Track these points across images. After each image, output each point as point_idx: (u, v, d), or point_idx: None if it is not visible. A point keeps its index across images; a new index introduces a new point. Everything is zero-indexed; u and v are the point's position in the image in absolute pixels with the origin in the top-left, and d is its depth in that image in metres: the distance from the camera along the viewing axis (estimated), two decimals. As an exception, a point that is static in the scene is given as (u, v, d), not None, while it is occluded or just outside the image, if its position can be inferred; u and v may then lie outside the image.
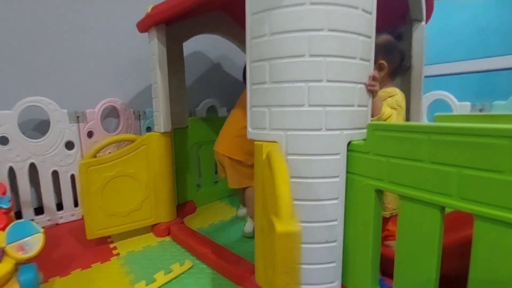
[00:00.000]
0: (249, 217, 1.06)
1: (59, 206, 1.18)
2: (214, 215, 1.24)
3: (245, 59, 1.37)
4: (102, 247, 0.97)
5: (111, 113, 1.35)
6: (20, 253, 0.68)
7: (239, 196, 1.20)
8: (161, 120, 0.99)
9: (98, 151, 0.94)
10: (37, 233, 0.72)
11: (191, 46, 1.38)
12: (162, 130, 1.00)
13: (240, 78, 1.84)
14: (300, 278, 0.38)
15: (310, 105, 0.58)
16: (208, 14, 1.24)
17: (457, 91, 1.23)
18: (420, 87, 0.97)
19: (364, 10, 0.59)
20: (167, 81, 0.99)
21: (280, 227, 0.37)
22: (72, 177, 1.19)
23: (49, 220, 1.13)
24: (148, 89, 1.43)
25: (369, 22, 0.60)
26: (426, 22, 0.98)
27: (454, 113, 1.18)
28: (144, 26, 0.98)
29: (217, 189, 1.44)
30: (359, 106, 0.62)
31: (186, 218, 1.20)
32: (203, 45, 1.62)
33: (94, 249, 0.95)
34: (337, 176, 0.61)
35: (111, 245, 0.98)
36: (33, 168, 1.11)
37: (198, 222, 1.16)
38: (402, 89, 0.89)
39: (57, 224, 1.16)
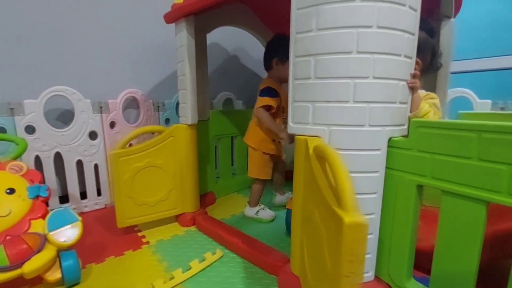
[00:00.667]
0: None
1: (83, 195, 1.20)
2: (234, 206, 1.26)
3: (263, 51, 1.39)
4: (132, 236, 0.99)
5: (130, 104, 1.35)
6: (62, 240, 0.70)
7: (274, 184, 1.25)
8: (189, 112, 1.00)
9: (129, 141, 0.95)
10: (76, 221, 0.74)
11: (208, 37, 1.37)
12: (190, 122, 1.01)
13: (256, 70, 1.85)
14: (363, 268, 0.40)
15: (355, 101, 0.59)
16: (229, 6, 1.23)
17: (476, 88, 1.24)
18: (446, 85, 0.98)
19: (411, 7, 0.60)
20: (195, 73, 0.99)
21: (348, 218, 0.38)
22: (96, 166, 1.21)
23: (74, 209, 1.15)
24: (166, 81, 1.44)
25: (414, 19, 0.61)
26: (454, 18, 0.98)
27: (475, 110, 1.19)
28: (173, 17, 0.97)
29: (234, 181, 1.45)
30: (400, 103, 0.63)
31: (207, 209, 1.22)
32: (220, 37, 1.61)
33: (124, 237, 0.97)
34: (377, 171, 0.63)
35: (139, 234, 1.00)
36: (58, 158, 1.12)
37: (220, 212, 1.18)
38: (427, 87, 0.90)
39: (81, 212, 1.18)
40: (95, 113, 1.18)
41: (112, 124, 1.25)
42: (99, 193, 1.24)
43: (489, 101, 1.16)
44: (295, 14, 0.62)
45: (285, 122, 1.09)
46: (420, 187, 0.60)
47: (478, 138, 0.50)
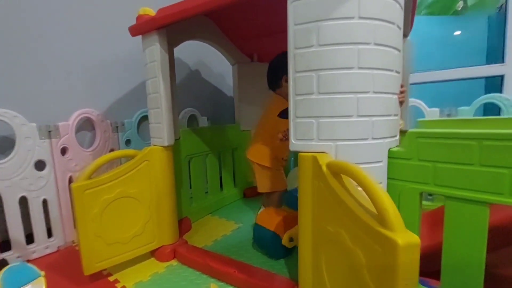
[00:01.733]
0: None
1: (29, 239, 0.98)
2: (213, 230, 1.17)
3: (224, 66, 1.35)
4: (102, 282, 0.83)
5: (84, 125, 1.18)
6: (22, 305, 0.55)
7: (263, 200, 1.21)
8: (165, 132, 0.90)
9: (94, 171, 0.81)
10: (37, 277, 0.59)
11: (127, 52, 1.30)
12: (166, 144, 0.91)
13: (219, 85, 1.80)
14: (415, 290, 0.38)
15: (359, 116, 0.59)
16: (196, 20, 1.18)
17: (422, 98, 1.39)
18: (407, 97, 1.07)
19: (398, 26, 0.63)
20: (169, 90, 0.91)
21: (401, 239, 0.37)
22: (45, 202, 1.01)
23: (18, 257, 0.93)
24: (125, 98, 1.31)
25: (400, 37, 0.65)
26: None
27: (427, 118, 1.34)
28: (142, 29, 0.89)
29: (208, 202, 1.36)
30: (394, 115, 0.66)
31: (184, 236, 1.11)
32: (180, 52, 1.54)
33: (92, 286, 0.81)
34: (381, 183, 0.64)
35: (111, 278, 0.85)
36: (-5, 196, 0.91)
37: (200, 240, 1.08)
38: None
39: (28, 260, 0.96)
40: (42, 138, 0.99)
41: (64, 150, 1.07)
42: (49, 234, 1.03)
43: (437, 109, 1.31)
44: (293, 29, 0.61)
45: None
46: (421, 194, 0.63)
47: (479, 145, 0.53)
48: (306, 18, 0.59)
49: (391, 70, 0.63)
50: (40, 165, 1.00)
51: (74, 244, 1.09)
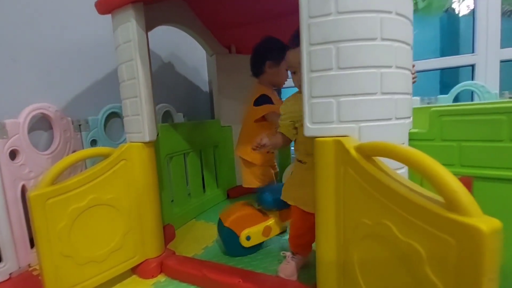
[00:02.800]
0: None
1: (-32, 268, 0.77)
2: (200, 237, 1.05)
3: (199, 58, 1.25)
4: (73, 312, 0.67)
5: (39, 124, 0.99)
6: None
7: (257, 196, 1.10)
8: (145, 125, 0.77)
9: (57, 175, 0.65)
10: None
11: (88, 36, 1.14)
12: (148, 139, 0.77)
13: (194, 80, 1.67)
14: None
15: (383, 93, 0.53)
16: (170, 3, 1.06)
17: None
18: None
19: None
20: (149, 74, 0.78)
21: (485, 225, 0.30)
22: (-11, 220, 0.81)
23: (-46, 293, 0.73)
24: (89, 92, 1.14)
25: (412, 9, 0.60)
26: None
27: (409, 106, 1.36)
28: (113, 4, 0.74)
29: (190, 206, 1.23)
30: (411, 94, 0.61)
31: (169, 246, 0.97)
32: (151, 42, 1.39)
33: (62, 319, 0.65)
34: (403, 167, 0.58)
35: (85, 306, 0.69)
36: None
37: (187, 249, 0.96)
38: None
39: (-32, 295, 0.75)
40: (-17, 140, 0.79)
41: (14, 154, 0.87)
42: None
43: (418, 97, 1.33)
44: (305, -4, 0.53)
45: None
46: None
47: (509, 119, 0.50)
48: (322, -18, 0.51)
49: (409, 45, 0.58)
50: (-19, 173, 0.79)
51: (30, 269, 0.90)
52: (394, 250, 0.42)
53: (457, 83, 1.25)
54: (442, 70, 1.93)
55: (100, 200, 0.70)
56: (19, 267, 0.87)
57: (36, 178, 0.92)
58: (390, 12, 0.52)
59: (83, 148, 1.09)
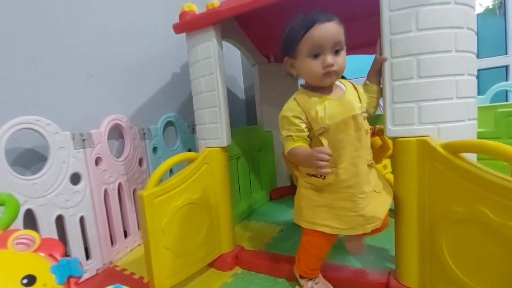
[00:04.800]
0: None
1: (67, 264, 0.86)
2: (259, 235, 1.12)
3: (240, 66, 1.33)
4: (172, 301, 0.75)
5: (111, 133, 1.08)
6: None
7: None
8: (224, 132, 0.85)
9: (160, 178, 0.74)
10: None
11: (149, 52, 1.24)
12: (225, 144, 0.86)
13: (232, 88, 1.76)
14: None
15: (458, 97, 0.61)
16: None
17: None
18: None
19: (475, 13, 0.66)
20: (225, 87, 0.87)
21: None
22: (82, 220, 0.90)
23: (61, 286, 0.81)
24: (150, 103, 1.23)
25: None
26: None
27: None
28: (195, 25, 0.84)
29: (241, 208, 1.30)
30: (476, 97, 0.68)
31: (232, 244, 1.05)
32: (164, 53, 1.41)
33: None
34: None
35: (179, 296, 0.77)
36: (29, 216, 0.78)
37: (251, 245, 1.03)
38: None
39: None
40: (77, 148, 0.89)
41: (97, 161, 0.96)
42: (88, 256, 0.92)
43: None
44: (388, 15, 0.61)
45: None
46: (512, 172, 0.65)
47: None
48: (403, 4, 0.60)
49: (475, 53, 0.65)
50: (75, 179, 0.89)
51: (112, 265, 0.98)
52: (489, 232, 0.49)
53: (481, 84, 1.31)
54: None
55: (190, 199, 0.78)
56: (103, 264, 0.96)
57: (114, 182, 1.01)
58: (462, 28, 0.60)
59: (147, 154, 1.18)
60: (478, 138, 0.66)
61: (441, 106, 0.60)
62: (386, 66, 0.63)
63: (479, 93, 1.38)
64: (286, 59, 0.68)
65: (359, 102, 0.66)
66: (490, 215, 0.49)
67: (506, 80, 1.40)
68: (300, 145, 0.64)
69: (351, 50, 1.30)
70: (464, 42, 0.60)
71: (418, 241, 0.62)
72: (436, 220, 0.58)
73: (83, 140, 0.91)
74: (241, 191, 1.33)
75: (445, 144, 0.56)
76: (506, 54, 1.38)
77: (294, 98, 0.67)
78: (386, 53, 0.63)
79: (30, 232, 0.51)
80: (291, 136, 0.65)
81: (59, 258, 0.51)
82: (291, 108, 0.66)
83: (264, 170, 1.49)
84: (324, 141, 0.63)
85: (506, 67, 1.38)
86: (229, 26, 1.21)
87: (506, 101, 1.40)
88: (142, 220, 0.70)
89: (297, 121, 0.64)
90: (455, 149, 0.55)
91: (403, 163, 0.63)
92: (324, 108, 0.63)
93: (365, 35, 0.91)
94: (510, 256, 0.46)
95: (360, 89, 0.70)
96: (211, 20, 0.80)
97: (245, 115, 1.81)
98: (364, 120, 0.66)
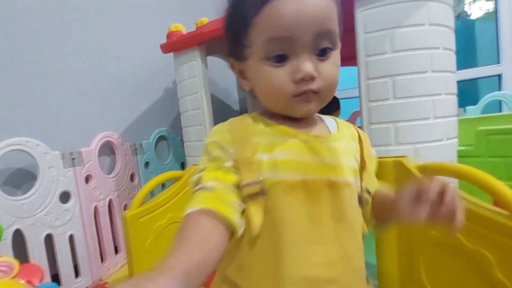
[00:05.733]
0: None
1: (54, 280, 0.87)
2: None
3: (234, 77, 1.36)
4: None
5: (103, 150, 1.10)
6: None
7: None
8: (209, 150, 0.86)
9: (144, 198, 0.75)
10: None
11: (142, 68, 1.25)
12: (211, 162, 0.87)
13: (227, 100, 1.77)
14: None
15: (435, 117, 0.61)
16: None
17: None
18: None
19: (453, 31, 0.67)
20: (211, 105, 0.88)
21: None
22: (71, 238, 0.91)
23: (48, 305, 0.82)
24: (142, 118, 1.25)
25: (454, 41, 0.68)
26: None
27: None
28: (180, 45, 0.85)
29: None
30: (456, 115, 0.68)
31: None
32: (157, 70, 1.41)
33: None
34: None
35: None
36: (18, 236, 0.80)
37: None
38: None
39: (58, 307, 0.85)
40: (66, 167, 0.90)
41: (87, 178, 0.98)
42: (77, 274, 0.92)
43: (445, 110, 1.39)
44: (363, 37, 0.62)
45: None
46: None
47: (552, 138, 0.57)
48: (378, 26, 0.60)
49: (453, 72, 0.66)
50: (64, 197, 0.90)
51: (102, 282, 0.99)
52: (463, 257, 0.49)
53: (477, 92, 1.31)
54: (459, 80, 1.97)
55: (175, 218, 0.79)
56: (93, 281, 0.96)
57: (104, 199, 1.03)
58: (438, 48, 0.61)
59: (139, 170, 1.19)
60: (458, 156, 0.67)
61: (418, 126, 0.61)
62: (362, 87, 0.64)
63: (473, 103, 1.39)
64: (231, 62, 0.41)
65: (353, 159, 0.38)
66: (463, 240, 0.48)
67: (499, 89, 1.38)
68: (208, 207, 0.30)
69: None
70: (440, 62, 0.61)
71: (398, 264, 0.62)
72: (414, 244, 0.58)
73: (73, 159, 0.93)
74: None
75: (421, 166, 0.56)
76: (499, 63, 1.37)
77: (229, 122, 0.39)
78: (362, 74, 0.63)
79: (8, 259, 0.52)
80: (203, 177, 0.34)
81: (37, 284, 0.52)
82: (216, 132, 0.38)
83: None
84: (256, 215, 0.33)
85: (499, 76, 1.38)
86: (219, 42, 1.23)
87: (500, 111, 1.39)
88: (125, 241, 0.71)
89: (218, 152, 0.35)
90: (430, 172, 0.55)
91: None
92: (275, 149, 0.34)
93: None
94: (483, 282, 0.46)
95: (367, 145, 0.41)
96: (195, 41, 0.82)
97: (240, 127, 1.83)
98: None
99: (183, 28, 0.92)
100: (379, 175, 0.62)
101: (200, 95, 0.85)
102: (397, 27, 0.59)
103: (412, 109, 0.60)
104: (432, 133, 0.61)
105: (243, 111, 1.82)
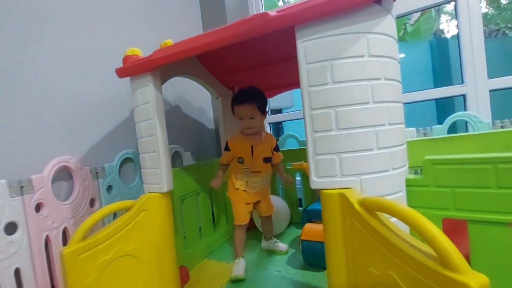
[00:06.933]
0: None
1: (-3, 321, 0.81)
2: (215, 277, 1.08)
3: (204, 99, 1.36)
4: None
5: (59, 175, 1.05)
6: None
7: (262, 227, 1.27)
8: (163, 177, 0.83)
9: (86, 231, 0.71)
10: None
11: (105, 90, 1.24)
12: (165, 190, 0.84)
13: (200, 119, 1.75)
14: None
15: (379, 148, 0.60)
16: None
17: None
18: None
19: (397, 61, 0.67)
20: (165, 132, 0.86)
21: (474, 282, 0.35)
22: (17, 272, 0.85)
23: None
24: (104, 141, 1.21)
25: (399, 71, 0.69)
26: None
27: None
28: (133, 71, 0.84)
29: (202, 245, 1.27)
30: (405, 144, 0.68)
31: (184, 288, 1.00)
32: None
33: None
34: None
35: None
36: (-48, 275, 0.74)
37: (202, 289, 0.99)
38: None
39: None
40: (13, 196, 0.86)
41: (39, 207, 0.93)
42: (23, 311, 0.86)
43: (414, 128, 1.40)
44: (305, 68, 0.62)
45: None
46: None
47: (494, 169, 0.56)
48: (318, 57, 0.60)
49: (398, 102, 0.65)
50: (10, 229, 0.85)
51: (52, 318, 0.93)
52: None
53: (453, 108, 1.32)
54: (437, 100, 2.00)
55: (123, 252, 0.75)
56: (42, 319, 0.90)
57: (57, 228, 0.98)
58: (379, 79, 0.61)
59: (100, 194, 1.15)
60: (408, 185, 0.66)
61: (362, 157, 0.60)
62: (307, 117, 0.63)
63: (439, 122, 1.41)
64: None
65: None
66: (399, 282, 0.46)
67: (465, 109, 1.41)
68: None
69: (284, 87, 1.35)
70: (382, 93, 0.61)
71: (347, 299, 0.60)
72: (359, 281, 0.56)
73: (21, 187, 0.88)
74: (202, 228, 1.29)
75: (361, 200, 0.55)
76: (463, 83, 1.40)
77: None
78: (306, 104, 0.63)
79: None
80: None
81: None
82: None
83: (229, 204, 1.46)
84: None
85: (464, 96, 1.40)
86: (188, 63, 1.22)
87: (466, 131, 1.41)
88: (64, 280, 0.66)
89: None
90: (368, 207, 0.53)
91: (328, 216, 0.61)
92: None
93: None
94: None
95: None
96: (146, 67, 0.81)
97: (215, 146, 1.80)
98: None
99: (140, 52, 0.91)
100: (327, 207, 0.61)
101: (154, 122, 0.83)
102: (336, 59, 0.59)
103: (354, 140, 0.59)
104: (376, 164, 0.60)
105: (217, 129, 1.80)
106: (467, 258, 0.59)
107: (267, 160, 1.14)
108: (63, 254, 0.65)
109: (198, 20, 1.84)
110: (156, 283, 0.83)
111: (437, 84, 3.23)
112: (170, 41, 0.86)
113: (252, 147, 1.09)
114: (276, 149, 1.17)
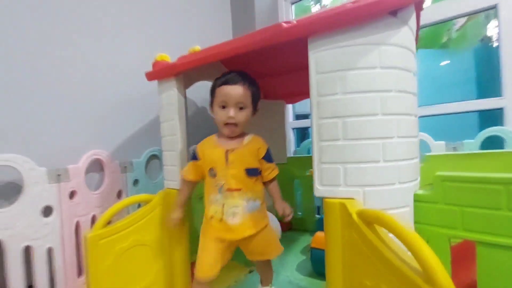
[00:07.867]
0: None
1: (30, 292, 0.92)
2: (222, 275, 1.11)
3: None
4: None
5: (92, 167, 1.16)
6: None
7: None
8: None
9: (109, 219, 0.79)
10: None
11: (135, 89, 1.32)
12: (181, 187, 0.90)
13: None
14: None
15: (385, 161, 0.60)
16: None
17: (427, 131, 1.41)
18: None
19: (413, 73, 0.66)
20: (185, 132, 0.92)
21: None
22: (50, 251, 0.96)
23: (17, 315, 0.86)
24: (134, 137, 1.31)
25: (415, 83, 0.68)
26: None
27: (432, 151, 1.36)
28: (160, 75, 0.91)
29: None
30: (416, 158, 0.67)
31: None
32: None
33: None
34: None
35: (121, 336, 0.79)
36: (-3, 247, 0.86)
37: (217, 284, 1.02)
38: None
39: (28, 318, 0.89)
40: (51, 183, 0.97)
41: (72, 194, 1.04)
42: (52, 286, 0.97)
43: (443, 142, 1.33)
44: (315, 78, 0.64)
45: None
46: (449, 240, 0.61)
47: (506, 190, 0.54)
48: (329, 68, 0.62)
49: (411, 115, 0.65)
50: (46, 211, 0.96)
51: (77, 295, 1.02)
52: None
53: (501, 122, 1.25)
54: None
55: (140, 241, 0.82)
56: (68, 295, 1.00)
57: (87, 215, 1.08)
58: (389, 91, 0.60)
59: (127, 187, 1.25)
60: (416, 201, 0.64)
61: (367, 169, 0.60)
62: (315, 126, 0.64)
63: (471, 137, 1.32)
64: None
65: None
66: (390, 295, 0.46)
67: (502, 124, 1.31)
68: None
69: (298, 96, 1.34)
70: (392, 105, 0.60)
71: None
72: (353, 290, 0.56)
73: (58, 175, 0.99)
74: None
75: (360, 211, 0.55)
76: (501, 96, 1.31)
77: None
78: (314, 114, 0.64)
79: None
80: None
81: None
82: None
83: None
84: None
85: (501, 110, 1.31)
86: (213, 67, 1.28)
87: (502, 147, 1.31)
88: (85, 261, 0.74)
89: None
90: (366, 218, 0.53)
91: (330, 224, 0.62)
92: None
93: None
94: None
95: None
96: (172, 72, 0.87)
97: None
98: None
99: (169, 57, 0.98)
100: (328, 216, 0.62)
101: (175, 122, 0.89)
102: (348, 70, 0.60)
103: (360, 151, 0.60)
104: (381, 177, 0.60)
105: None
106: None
107: (251, 172, 0.77)
108: (86, 237, 0.72)
109: (228, 27, 1.92)
110: (167, 274, 0.88)
111: (481, 95, 3.01)
112: (198, 48, 0.92)
113: (226, 152, 0.77)
114: (267, 158, 0.79)
